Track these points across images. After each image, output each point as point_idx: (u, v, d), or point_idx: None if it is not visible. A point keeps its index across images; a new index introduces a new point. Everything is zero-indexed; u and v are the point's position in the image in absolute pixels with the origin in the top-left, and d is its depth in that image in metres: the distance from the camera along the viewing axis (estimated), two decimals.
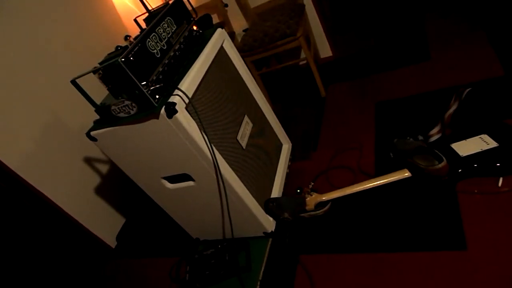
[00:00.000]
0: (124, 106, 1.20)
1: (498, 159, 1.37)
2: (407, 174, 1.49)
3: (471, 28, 2.22)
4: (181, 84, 1.26)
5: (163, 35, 1.32)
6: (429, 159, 1.46)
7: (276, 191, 1.75)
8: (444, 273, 1.22)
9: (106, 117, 1.28)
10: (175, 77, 1.32)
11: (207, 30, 1.58)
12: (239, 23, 2.70)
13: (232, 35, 2.58)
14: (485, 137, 1.46)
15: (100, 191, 2.23)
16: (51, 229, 2.00)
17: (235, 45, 1.66)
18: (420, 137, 1.68)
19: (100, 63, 1.24)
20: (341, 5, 3.14)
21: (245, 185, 1.50)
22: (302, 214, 1.62)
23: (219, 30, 1.56)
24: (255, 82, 1.76)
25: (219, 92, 1.49)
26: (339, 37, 2.90)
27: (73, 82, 1.17)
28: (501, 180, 1.37)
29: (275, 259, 1.58)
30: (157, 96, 1.19)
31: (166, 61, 1.30)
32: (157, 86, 1.21)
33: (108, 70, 1.19)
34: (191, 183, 1.47)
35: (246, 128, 1.63)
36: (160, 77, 1.24)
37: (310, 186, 1.78)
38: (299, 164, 1.99)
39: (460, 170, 1.42)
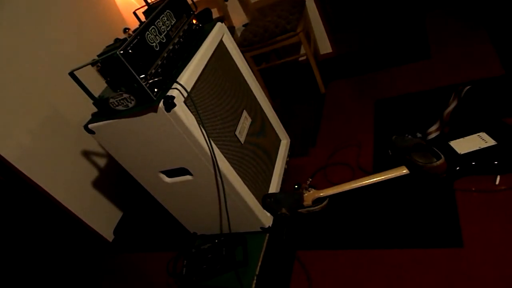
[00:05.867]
0: (122, 99, 1.20)
1: (496, 157, 1.37)
2: (405, 171, 1.49)
3: (471, 26, 2.21)
4: (180, 78, 1.26)
5: (163, 28, 1.31)
6: (427, 156, 1.46)
7: (274, 187, 1.75)
8: (440, 270, 1.22)
9: (104, 110, 1.27)
10: (174, 70, 1.31)
11: (207, 24, 1.57)
12: (239, 18, 2.69)
13: (232, 30, 2.57)
14: (484, 135, 1.46)
15: (97, 184, 2.23)
16: (49, 222, 2.00)
17: (235, 40, 1.66)
18: (419, 135, 1.68)
19: (98, 56, 1.23)
20: (342, 1, 3.12)
21: (243, 180, 1.50)
22: (299, 210, 1.62)
23: (218, 24, 1.56)
24: (254, 77, 1.76)
25: (218, 87, 1.49)
26: (340, 34, 2.89)
27: (71, 74, 1.16)
28: (498, 178, 1.37)
29: (272, 254, 1.58)
30: (155, 90, 1.19)
31: (165, 55, 1.29)
32: (156, 79, 1.20)
33: (107, 63, 1.18)
34: (189, 177, 1.46)
35: (244, 123, 1.62)
36: (159, 70, 1.24)
37: (308, 182, 1.79)
38: (297, 160, 1.99)
39: (458, 168, 1.42)
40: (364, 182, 1.53)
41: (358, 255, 1.41)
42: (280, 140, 1.97)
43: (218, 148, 1.38)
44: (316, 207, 1.59)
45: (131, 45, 1.13)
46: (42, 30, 2.07)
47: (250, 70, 1.73)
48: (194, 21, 1.51)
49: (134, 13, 1.50)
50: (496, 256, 1.17)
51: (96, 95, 1.28)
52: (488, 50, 1.99)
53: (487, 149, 1.41)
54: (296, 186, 1.67)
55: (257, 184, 1.64)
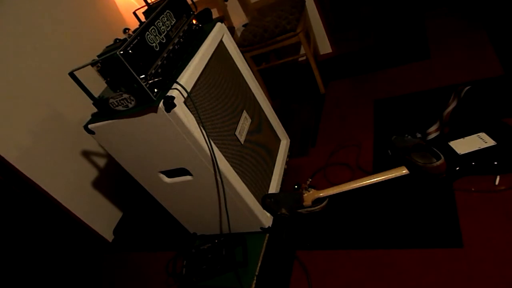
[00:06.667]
0: (122, 99, 1.20)
1: (496, 157, 1.38)
2: (404, 171, 1.49)
3: (471, 26, 2.22)
4: (180, 78, 1.26)
5: (162, 29, 1.31)
6: (427, 156, 1.46)
7: (274, 187, 1.75)
8: (440, 270, 1.22)
9: (104, 110, 1.27)
10: (174, 70, 1.31)
11: (207, 24, 1.57)
12: (239, 18, 2.69)
13: (231, 30, 2.57)
14: (483, 135, 1.46)
15: (97, 184, 2.22)
16: (48, 222, 2.00)
17: (234, 40, 1.66)
18: (419, 135, 1.68)
19: (98, 56, 1.23)
20: (342, 2, 3.13)
21: (242, 180, 1.50)
22: (299, 210, 1.62)
23: (218, 24, 1.56)
24: (254, 78, 1.76)
25: (218, 87, 1.49)
26: (339, 34, 2.89)
27: (71, 74, 1.16)
28: (498, 178, 1.38)
29: (272, 255, 1.58)
30: (155, 90, 1.19)
31: (165, 55, 1.29)
32: (156, 79, 1.20)
33: (107, 63, 1.18)
34: (188, 177, 1.46)
35: (244, 123, 1.62)
36: (159, 70, 1.24)
37: (308, 182, 1.79)
38: (297, 160, 1.99)
39: (457, 168, 1.42)
40: (364, 183, 1.53)
41: (357, 255, 1.41)
42: (280, 140, 1.97)
43: (218, 148, 1.38)
44: (316, 208, 1.59)
45: (131, 45, 1.13)
46: (41, 30, 2.06)
47: (250, 70, 1.73)
48: (194, 21, 1.51)
49: (134, 13, 1.50)
50: (496, 256, 1.18)
51: (96, 95, 1.28)
52: (487, 50, 1.99)
53: (486, 149, 1.41)
54: (296, 186, 1.67)
55: (257, 184, 1.64)
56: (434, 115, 1.70)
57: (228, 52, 1.62)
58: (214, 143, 1.36)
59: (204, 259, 1.63)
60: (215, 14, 2.56)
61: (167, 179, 1.52)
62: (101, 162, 2.28)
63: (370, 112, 2.04)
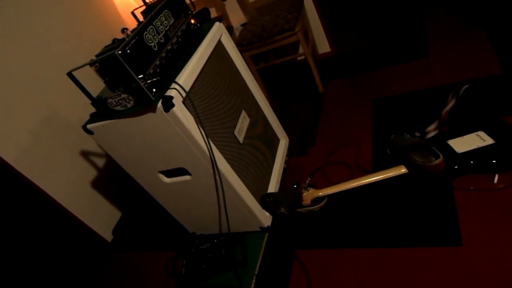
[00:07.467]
0: (120, 99, 1.20)
1: (494, 156, 1.38)
2: (403, 170, 1.49)
3: (470, 25, 2.22)
4: (179, 78, 1.26)
5: (161, 28, 1.31)
6: (425, 155, 1.46)
7: (273, 186, 1.75)
8: (439, 268, 1.22)
9: (102, 110, 1.27)
10: (172, 70, 1.31)
11: (205, 23, 1.57)
12: (237, 18, 2.69)
13: (230, 29, 2.57)
14: (482, 134, 1.46)
15: (96, 184, 2.22)
16: (47, 222, 1.99)
17: (233, 39, 1.65)
18: (417, 134, 1.68)
19: (96, 56, 1.23)
20: (341, 1, 3.13)
21: (241, 180, 1.50)
22: (298, 209, 1.62)
23: (217, 24, 1.55)
24: (252, 77, 1.76)
25: (217, 86, 1.49)
26: (338, 33, 2.89)
27: (70, 74, 1.16)
28: (496, 177, 1.38)
29: (272, 254, 1.58)
30: (154, 90, 1.18)
31: (164, 55, 1.29)
32: (154, 79, 1.20)
33: (105, 63, 1.18)
34: (187, 177, 1.46)
35: (243, 123, 1.62)
36: (157, 70, 1.24)
37: (307, 182, 1.79)
38: (296, 160, 1.99)
39: (456, 167, 1.42)
40: (362, 181, 1.53)
41: (357, 254, 1.41)
42: (279, 140, 1.97)
43: (217, 148, 1.38)
44: (315, 207, 1.59)
45: (129, 45, 1.13)
46: (40, 30, 2.06)
47: (248, 70, 1.73)
48: (193, 21, 1.51)
49: (132, 13, 1.50)
50: (495, 254, 1.18)
51: (95, 95, 1.28)
52: (486, 49, 1.99)
53: (485, 148, 1.41)
54: (295, 186, 1.67)
55: (256, 183, 1.64)
56: (432, 114, 1.71)
57: (227, 52, 1.61)
58: (213, 142, 1.35)
59: (203, 258, 1.63)
60: (213, 13, 2.56)
61: (166, 179, 1.52)
62: (100, 162, 2.28)
63: (369, 111, 2.04)
